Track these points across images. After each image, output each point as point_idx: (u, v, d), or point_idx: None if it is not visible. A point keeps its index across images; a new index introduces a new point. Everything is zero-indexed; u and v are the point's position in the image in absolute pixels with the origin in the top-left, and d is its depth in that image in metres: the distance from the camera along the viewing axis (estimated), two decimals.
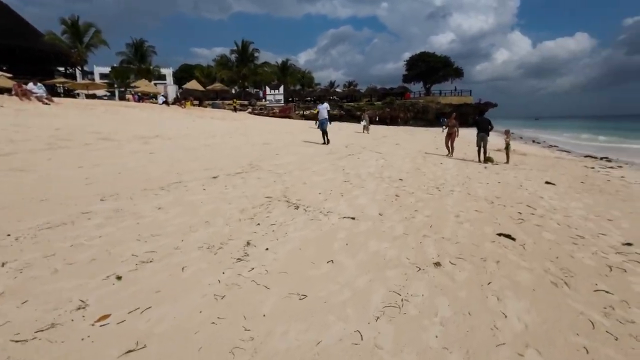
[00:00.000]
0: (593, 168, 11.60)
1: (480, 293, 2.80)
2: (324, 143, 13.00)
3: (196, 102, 41.36)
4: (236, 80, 51.43)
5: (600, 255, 3.71)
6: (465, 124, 38.62)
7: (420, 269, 3.17)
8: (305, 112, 43.81)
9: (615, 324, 2.47)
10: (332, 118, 44.37)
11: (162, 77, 57.26)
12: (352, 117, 46.87)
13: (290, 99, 52.77)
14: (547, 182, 7.96)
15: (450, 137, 12.38)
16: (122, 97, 40.37)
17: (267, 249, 3.41)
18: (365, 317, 2.40)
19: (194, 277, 2.77)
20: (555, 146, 23.47)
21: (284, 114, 40.22)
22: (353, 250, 3.50)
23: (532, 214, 5.24)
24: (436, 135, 24.58)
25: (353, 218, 4.53)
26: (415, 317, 2.43)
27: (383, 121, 44.55)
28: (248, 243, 3.50)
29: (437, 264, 3.28)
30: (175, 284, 2.65)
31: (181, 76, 63.72)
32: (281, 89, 42.29)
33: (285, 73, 56.04)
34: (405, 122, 45.18)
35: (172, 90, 50.34)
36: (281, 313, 2.39)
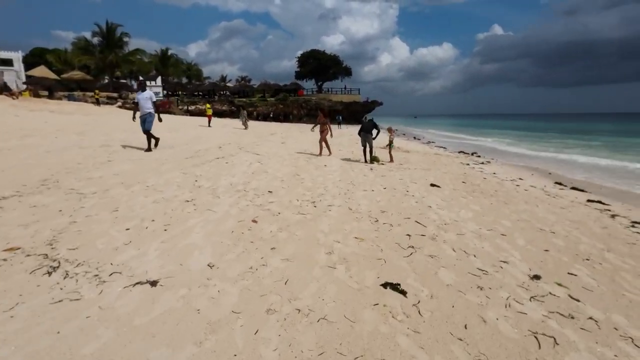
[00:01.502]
0: (468, 164, 11.93)
1: None
2: (148, 149, 8.83)
3: (45, 92, 33.28)
4: (103, 69, 43.39)
5: (516, 311, 2.57)
6: (356, 121, 39.90)
7: None
8: (190, 107, 39.60)
9: None
10: (220, 114, 41.14)
11: (8, 63, 44.54)
12: None
13: (174, 93, 47.19)
14: (432, 185, 7.30)
15: (322, 135, 11.04)
16: None
17: None
18: None
19: None
20: (432, 142, 25.30)
21: (163, 108, 35.23)
22: None
23: (423, 235, 4.10)
24: None
25: (154, 283, 2.60)
26: None
27: (277, 118, 43.18)
28: None
29: None
30: None
31: (33, 62, 50.88)
32: (159, 80, 37.02)
33: (165, 64, 49.80)
34: (299, 119, 44.63)
35: (10, 78, 39.78)
36: None
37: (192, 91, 49.93)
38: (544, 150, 19.99)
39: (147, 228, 3.69)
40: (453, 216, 5.03)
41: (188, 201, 4.80)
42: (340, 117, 41.52)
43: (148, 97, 8.55)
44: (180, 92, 48.74)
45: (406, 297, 2.66)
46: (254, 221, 4.17)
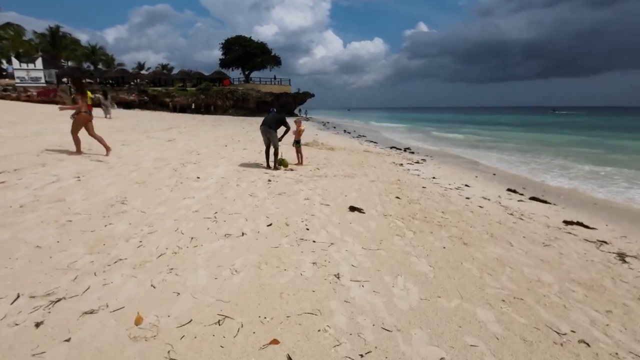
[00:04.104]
0: (402, 165, 9.70)
1: None
2: None
3: None
4: None
5: None
6: (287, 114, 36.85)
7: None
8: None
9: None
10: (127, 105, 35.38)
11: None
12: (159, 104, 38.55)
13: (68, 80, 39.50)
14: (352, 208, 4.66)
15: (78, 121, 6.60)
16: None
17: None
18: None
19: None
20: (363, 136, 23.34)
21: (45, 97, 28.60)
22: None
23: None
24: (245, 126, 20.72)
25: None
26: None
27: (198, 109, 38.38)
28: None
29: None
30: None
31: None
32: (39, 62, 29.99)
33: (56, 45, 41.47)
34: (225, 111, 40.27)
35: None
36: None
37: (96, 78, 42.47)
38: (473, 147, 19.06)
39: None
40: (381, 305, 2.35)
41: None
42: (274, 110, 38.06)
43: None
44: (85, 80, 41.09)
45: None
46: None
